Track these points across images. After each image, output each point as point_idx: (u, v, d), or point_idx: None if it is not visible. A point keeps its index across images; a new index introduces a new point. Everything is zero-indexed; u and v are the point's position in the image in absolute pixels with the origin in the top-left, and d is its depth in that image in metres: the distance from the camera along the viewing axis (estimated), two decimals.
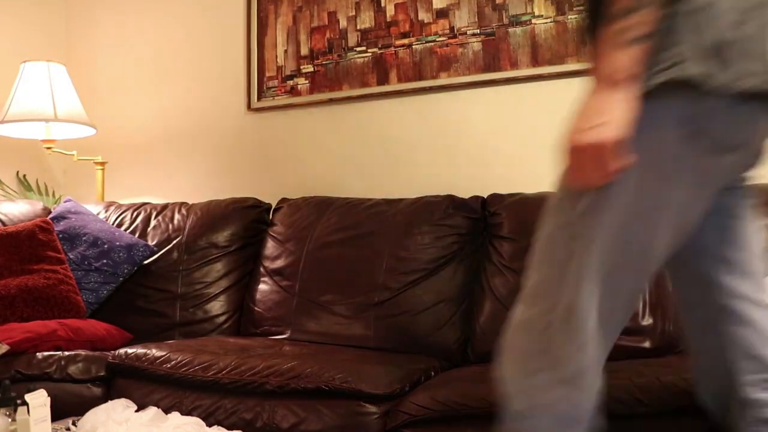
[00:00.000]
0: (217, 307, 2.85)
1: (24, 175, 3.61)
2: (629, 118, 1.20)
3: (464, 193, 2.78)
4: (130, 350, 2.31)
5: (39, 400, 1.24)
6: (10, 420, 1.22)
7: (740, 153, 1.29)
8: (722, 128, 1.24)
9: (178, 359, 2.19)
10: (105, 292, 2.84)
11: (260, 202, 3.09)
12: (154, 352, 2.26)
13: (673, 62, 1.21)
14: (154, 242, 2.98)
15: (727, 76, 1.20)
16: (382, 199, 2.84)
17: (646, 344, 2.19)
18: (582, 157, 1.21)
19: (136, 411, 1.42)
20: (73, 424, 1.36)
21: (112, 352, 2.35)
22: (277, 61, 3.37)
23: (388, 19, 3.15)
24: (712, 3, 1.21)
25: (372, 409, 1.91)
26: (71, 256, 2.86)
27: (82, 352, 2.39)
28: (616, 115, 1.19)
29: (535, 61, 2.91)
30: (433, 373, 2.16)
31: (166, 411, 2.01)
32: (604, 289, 1.27)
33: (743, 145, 1.29)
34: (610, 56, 1.20)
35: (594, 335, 1.27)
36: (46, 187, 3.67)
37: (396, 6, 3.14)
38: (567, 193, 1.28)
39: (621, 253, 1.26)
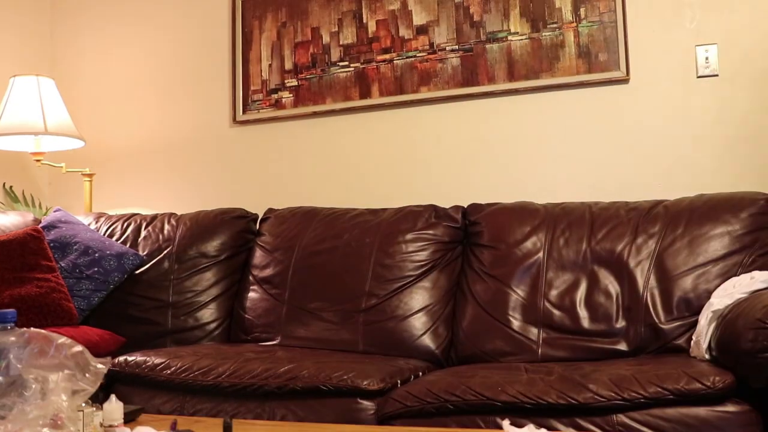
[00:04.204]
0: (207, 314, 2.91)
1: (11, 187, 3.64)
2: None
3: (445, 202, 2.88)
4: (130, 358, 2.37)
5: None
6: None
7: None
8: None
9: (178, 365, 2.25)
10: (96, 299, 2.88)
11: (248, 212, 3.15)
12: (154, 359, 2.32)
13: None
14: (145, 252, 3.03)
15: None
16: (366, 209, 2.92)
17: (622, 346, 2.30)
18: None
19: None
20: None
21: (112, 359, 2.40)
22: (261, 75, 3.46)
23: (370, 35, 3.26)
24: None
25: (369, 404, 2.01)
26: (62, 265, 2.90)
27: None
28: None
29: (511, 76, 3.04)
30: (421, 374, 2.25)
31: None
32: None
33: None
34: None
35: None
36: (32, 198, 3.71)
37: (378, 22, 3.25)
38: None
39: None
